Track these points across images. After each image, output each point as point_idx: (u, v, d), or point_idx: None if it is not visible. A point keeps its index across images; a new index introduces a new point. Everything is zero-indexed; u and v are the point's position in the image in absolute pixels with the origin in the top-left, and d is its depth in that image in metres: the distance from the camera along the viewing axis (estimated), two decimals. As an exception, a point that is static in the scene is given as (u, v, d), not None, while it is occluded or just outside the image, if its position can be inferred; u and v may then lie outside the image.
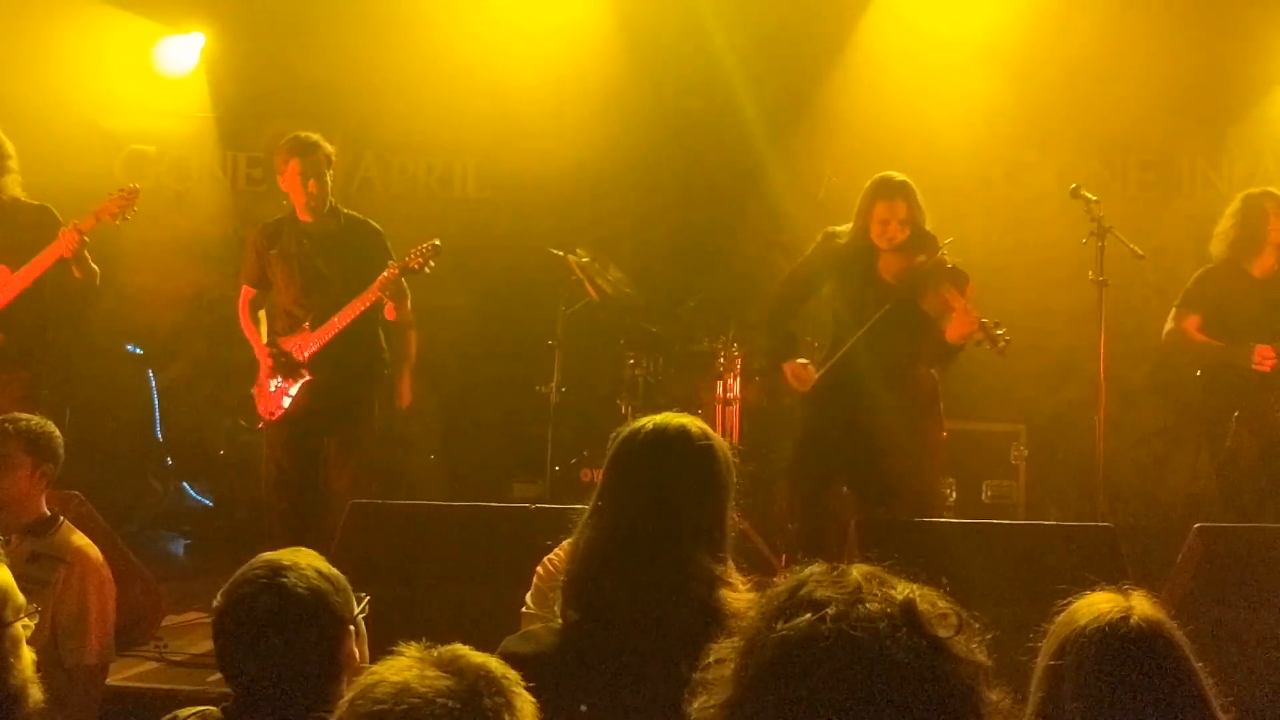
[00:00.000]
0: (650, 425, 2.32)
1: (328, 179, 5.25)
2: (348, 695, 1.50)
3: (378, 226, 5.45)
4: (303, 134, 5.28)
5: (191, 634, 5.04)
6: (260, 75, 7.45)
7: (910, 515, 4.81)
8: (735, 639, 1.38)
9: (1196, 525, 4.43)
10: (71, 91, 7.14)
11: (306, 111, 7.43)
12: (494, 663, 1.53)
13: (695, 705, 1.40)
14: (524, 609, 2.93)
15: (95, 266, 5.27)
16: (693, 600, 2.16)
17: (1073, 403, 7.37)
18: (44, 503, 3.80)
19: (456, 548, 4.19)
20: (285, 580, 2.10)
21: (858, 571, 1.34)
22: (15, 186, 5.29)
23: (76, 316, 6.77)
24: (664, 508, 2.23)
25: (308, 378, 5.22)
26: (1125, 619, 1.80)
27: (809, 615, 1.28)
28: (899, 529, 4.44)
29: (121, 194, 5.25)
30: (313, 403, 5.25)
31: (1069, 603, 1.89)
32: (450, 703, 1.43)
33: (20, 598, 1.95)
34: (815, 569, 1.36)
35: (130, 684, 4.32)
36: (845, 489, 5.25)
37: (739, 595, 2.20)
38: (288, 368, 5.23)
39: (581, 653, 2.15)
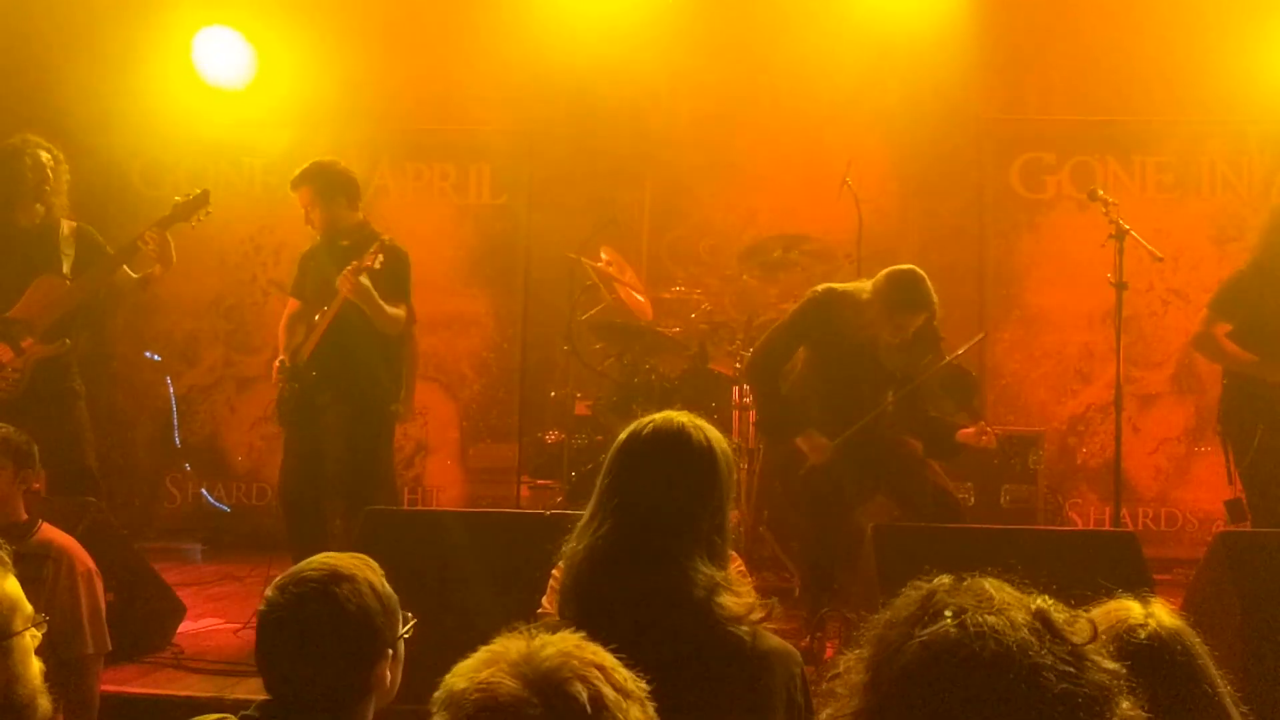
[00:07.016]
0: (649, 429, 2.29)
1: (334, 207, 5.34)
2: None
3: (390, 245, 5.29)
4: (315, 162, 5.39)
5: (209, 641, 5.05)
6: (276, 83, 7.47)
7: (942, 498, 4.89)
8: (861, 649, 1.37)
9: (1219, 530, 4.39)
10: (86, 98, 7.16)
11: (322, 119, 7.47)
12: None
13: (823, 715, 1.40)
14: (540, 610, 2.91)
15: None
16: (692, 606, 2.14)
17: (1092, 406, 7.34)
18: (21, 508, 3.86)
19: (472, 554, 4.18)
20: (339, 592, 2.10)
21: (986, 582, 1.36)
22: (63, 208, 5.32)
23: (103, 318, 6.76)
24: (663, 514, 2.21)
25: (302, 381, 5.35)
26: (1141, 627, 1.79)
27: (949, 620, 1.29)
28: (916, 535, 4.40)
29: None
30: (309, 405, 5.35)
31: (1087, 610, 1.87)
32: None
33: (29, 607, 1.95)
34: (942, 579, 1.38)
35: (147, 691, 4.32)
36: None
37: (739, 600, 2.18)
38: (290, 373, 5.38)
39: None
